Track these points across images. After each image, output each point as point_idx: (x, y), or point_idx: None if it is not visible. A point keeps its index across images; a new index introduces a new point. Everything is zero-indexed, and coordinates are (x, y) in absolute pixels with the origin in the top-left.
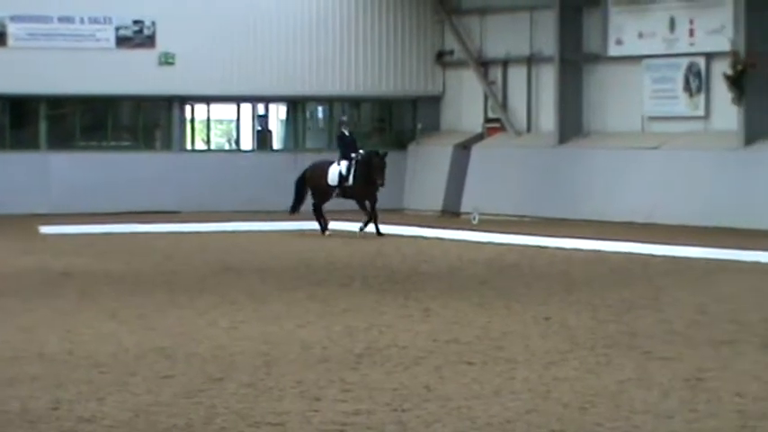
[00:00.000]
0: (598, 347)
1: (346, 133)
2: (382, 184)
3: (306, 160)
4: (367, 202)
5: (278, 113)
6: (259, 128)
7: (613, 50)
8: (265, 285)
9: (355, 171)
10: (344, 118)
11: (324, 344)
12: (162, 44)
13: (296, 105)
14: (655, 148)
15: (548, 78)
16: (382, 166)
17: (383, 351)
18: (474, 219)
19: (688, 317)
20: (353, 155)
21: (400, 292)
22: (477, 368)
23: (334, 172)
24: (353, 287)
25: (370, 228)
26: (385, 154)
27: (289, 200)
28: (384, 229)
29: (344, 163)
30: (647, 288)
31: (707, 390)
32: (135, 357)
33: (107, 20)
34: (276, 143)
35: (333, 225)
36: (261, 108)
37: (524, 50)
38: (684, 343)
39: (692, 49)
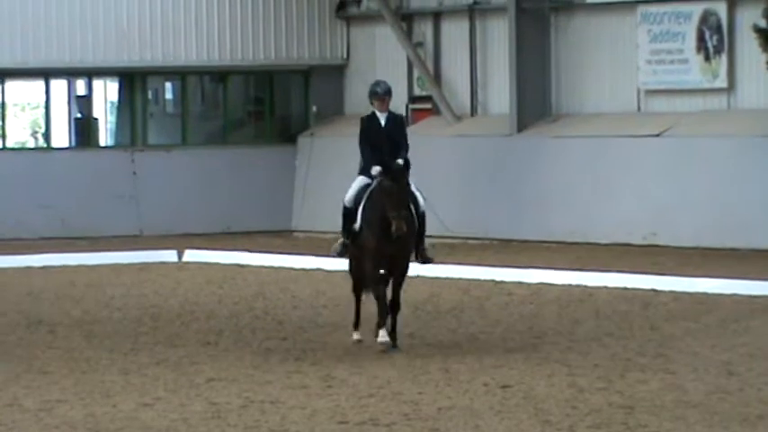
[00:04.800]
0: (580, 427)
1: (380, 118)
2: (401, 233)
3: (148, 161)
4: (390, 278)
5: (106, 93)
6: (79, 115)
7: None
8: (92, 346)
9: (365, 204)
10: (378, 88)
11: (179, 430)
12: None
13: (133, 81)
14: (656, 135)
15: (500, 37)
16: (399, 192)
17: None
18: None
19: (709, 381)
20: (377, 171)
21: (290, 351)
22: None
23: (348, 199)
24: (222, 346)
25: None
26: (403, 166)
27: (128, 219)
28: (267, 259)
29: (357, 184)
30: (649, 339)
31: None
32: None
33: None
34: (104, 137)
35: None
36: (81, 86)
37: None
38: (705, 419)
39: None
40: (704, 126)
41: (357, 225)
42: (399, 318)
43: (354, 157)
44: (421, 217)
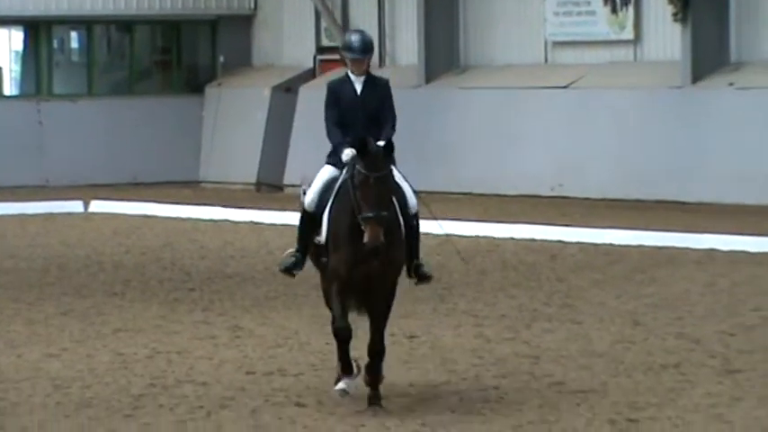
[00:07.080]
0: (486, 377)
1: (354, 83)
2: (377, 243)
3: (54, 111)
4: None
5: (11, 42)
6: None
7: None
8: None
9: (332, 207)
10: (354, 42)
11: (86, 381)
12: None
13: (38, 30)
14: (563, 87)
15: None
16: (377, 185)
17: (173, 389)
18: (304, 194)
19: (615, 331)
20: (349, 154)
21: (198, 302)
22: (311, 412)
23: (309, 201)
24: (129, 297)
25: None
26: (385, 147)
27: (33, 169)
28: (174, 210)
29: (320, 179)
30: (555, 290)
31: None
32: None
33: None
34: (9, 87)
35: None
36: None
37: None
38: (610, 368)
39: None
40: (611, 78)
41: (322, 237)
42: (383, 366)
43: (260, 108)
44: (411, 220)
